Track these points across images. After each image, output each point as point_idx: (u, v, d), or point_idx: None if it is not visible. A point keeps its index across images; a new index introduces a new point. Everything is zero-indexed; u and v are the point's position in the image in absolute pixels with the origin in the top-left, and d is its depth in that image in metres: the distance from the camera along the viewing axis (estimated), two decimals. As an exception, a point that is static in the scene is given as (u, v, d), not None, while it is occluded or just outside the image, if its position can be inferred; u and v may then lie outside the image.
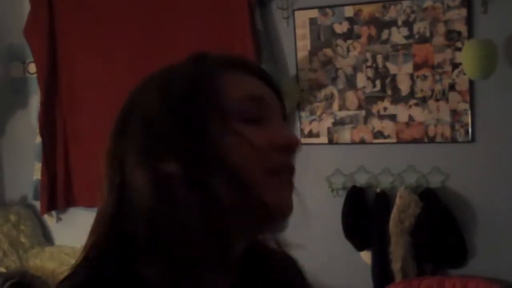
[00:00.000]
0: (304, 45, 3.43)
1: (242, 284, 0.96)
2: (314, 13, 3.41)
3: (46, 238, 4.29)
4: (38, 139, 4.12)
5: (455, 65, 3.11)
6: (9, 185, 4.43)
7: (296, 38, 3.45)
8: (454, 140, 3.14)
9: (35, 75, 4.15)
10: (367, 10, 3.29)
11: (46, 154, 4.09)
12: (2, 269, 3.82)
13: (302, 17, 3.43)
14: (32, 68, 4.19)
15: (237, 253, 0.95)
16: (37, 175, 4.16)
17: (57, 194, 4.12)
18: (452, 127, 3.14)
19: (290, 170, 0.95)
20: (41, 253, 4.08)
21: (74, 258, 3.63)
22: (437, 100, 3.16)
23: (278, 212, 0.93)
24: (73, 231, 4.13)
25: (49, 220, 4.26)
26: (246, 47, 3.39)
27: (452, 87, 3.13)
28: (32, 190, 4.22)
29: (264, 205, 0.91)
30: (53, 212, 4.20)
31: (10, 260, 4.02)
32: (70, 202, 4.12)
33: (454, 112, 3.13)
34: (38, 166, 4.15)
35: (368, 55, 3.29)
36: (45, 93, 4.08)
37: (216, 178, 0.89)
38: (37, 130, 4.11)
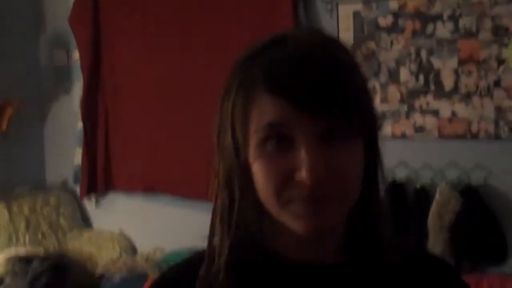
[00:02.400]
0: (347, 38, 3.40)
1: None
2: (358, 6, 3.38)
3: (85, 221, 4.34)
4: (80, 125, 4.17)
5: (501, 61, 3.07)
6: (51, 169, 4.49)
7: (339, 31, 3.43)
8: (497, 137, 3.10)
9: (79, 62, 4.18)
10: (412, 3, 3.25)
11: (87, 140, 4.13)
12: (41, 251, 3.86)
13: (346, 10, 3.41)
14: (76, 55, 4.23)
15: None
16: (78, 160, 4.21)
17: (96, 179, 4.16)
18: (496, 124, 3.10)
19: (304, 200, 0.91)
20: (80, 237, 4.13)
21: (111, 242, 3.71)
22: (481, 96, 3.12)
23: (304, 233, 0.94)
24: (112, 216, 4.19)
25: (88, 204, 4.31)
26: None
27: (497, 83, 3.09)
28: (72, 174, 4.28)
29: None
30: (92, 196, 4.24)
31: (49, 242, 4.07)
32: (109, 186, 4.16)
33: (498, 109, 3.09)
34: (79, 151, 4.20)
35: (412, 49, 3.26)
36: (87, 81, 4.12)
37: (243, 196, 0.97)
38: (79, 116, 4.16)
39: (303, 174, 0.89)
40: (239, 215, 0.98)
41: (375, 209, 1.01)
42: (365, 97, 0.96)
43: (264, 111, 0.92)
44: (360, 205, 0.97)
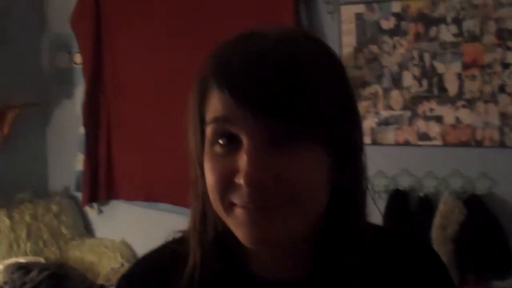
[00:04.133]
0: (349, 41, 3.31)
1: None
2: (361, 8, 3.29)
3: (87, 230, 4.29)
4: (82, 130, 4.12)
5: (506, 66, 2.96)
6: (53, 176, 4.44)
7: (341, 34, 3.33)
8: (502, 145, 2.99)
9: (81, 65, 4.13)
10: (415, 6, 3.15)
11: (89, 146, 4.09)
12: (41, 260, 3.82)
13: (348, 12, 3.32)
14: (78, 58, 4.18)
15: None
16: (80, 166, 4.16)
17: (99, 186, 4.11)
18: (501, 131, 2.99)
19: (243, 206, 0.85)
20: (81, 245, 4.08)
21: (113, 251, 3.63)
22: (486, 102, 3.01)
23: (245, 243, 0.88)
24: (114, 224, 4.15)
25: (90, 212, 4.26)
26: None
27: (502, 88, 2.98)
28: (74, 181, 4.23)
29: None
30: (94, 204, 4.20)
31: (50, 250, 4.03)
32: (111, 194, 4.11)
33: (503, 115, 2.98)
34: (81, 157, 4.15)
35: (415, 53, 3.16)
36: (89, 84, 4.07)
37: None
38: (81, 121, 4.10)
39: (241, 179, 0.82)
40: (210, 224, 0.94)
41: (348, 220, 0.93)
42: (335, 103, 0.86)
43: (213, 106, 0.87)
44: (330, 217, 0.91)
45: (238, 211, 0.85)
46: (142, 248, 3.92)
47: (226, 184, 0.85)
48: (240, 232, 0.86)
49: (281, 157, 0.83)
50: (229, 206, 0.86)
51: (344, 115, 0.88)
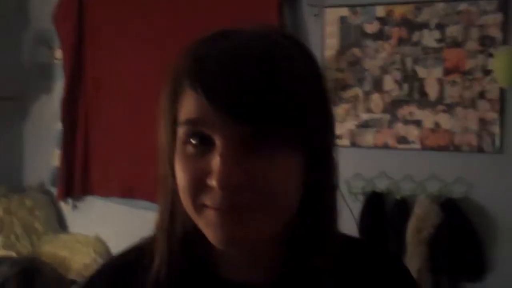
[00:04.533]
0: (332, 44, 3.32)
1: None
2: (345, 12, 3.30)
3: (61, 225, 4.25)
4: (59, 126, 4.08)
5: (487, 72, 2.98)
6: (28, 170, 4.41)
7: (324, 36, 3.35)
8: (480, 150, 3.01)
9: (62, 61, 4.10)
10: (399, 10, 3.17)
11: (65, 141, 4.05)
12: (13, 254, 3.77)
13: (332, 15, 3.33)
14: (59, 54, 4.15)
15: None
16: (55, 161, 4.13)
17: (74, 182, 4.08)
18: (480, 136, 3.00)
19: (215, 208, 0.83)
20: (54, 240, 4.03)
21: (86, 247, 3.58)
22: (465, 107, 3.03)
23: (215, 244, 0.86)
24: (88, 220, 4.12)
25: (65, 207, 4.22)
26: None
27: (482, 95, 3.00)
28: (50, 176, 4.19)
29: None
30: (69, 200, 4.16)
31: (23, 245, 3.97)
32: (87, 190, 4.07)
33: (482, 121, 3.00)
34: (57, 153, 4.11)
35: (397, 57, 3.18)
36: (69, 80, 4.05)
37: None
38: (59, 116, 4.07)
39: (214, 182, 0.80)
40: (179, 223, 0.92)
41: (318, 220, 0.91)
42: (310, 105, 0.84)
43: (186, 107, 0.84)
44: (300, 219, 0.89)
45: (209, 212, 0.83)
46: (116, 244, 3.90)
47: (198, 185, 0.83)
48: (210, 233, 0.84)
49: (254, 159, 0.81)
50: (200, 207, 0.84)
51: (318, 116, 0.87)
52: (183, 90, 0.85)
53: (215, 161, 0.80)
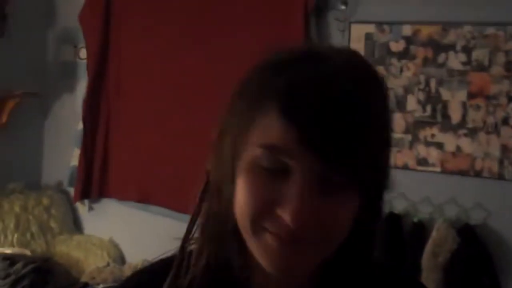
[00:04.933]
0: (356, 60, 3.29)
1: None
2: (371, 28, 3.28)
3: (76, 226, 4.26)
4: (80, 125, 4.09)
5: (511, 98, 2.95)
6: (47, 168, 4.43)
7: (349, 52, 3.32)
8: (501, 177, 2.98)
9: (85, 60, 4.11)
10: (426, 31, 3.15)
11: (85, 142, 4.07)
12: (27, 252, 3.78)
13: (359, 31, 3.31)
14: (83, 53, 4.16)
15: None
16: (74, 161, 4.14)
17: (92, 183, 4.09)
18: (501, 163, 2.97)
19: (280, 238, 0.82)
20: (69, 241, 4.05)
21: (100, 249, 3.57)
22: (488, 132, 3.00)
23: (269, 269, 0.86)
24: (103, 222, 4.13)
25: (81, 208, 4.23)
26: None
27: (505, 121, 2.97)
28: (68, 176, 4.20)
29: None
30: (86, 201, 4.17)
31: (37, 243, 3.99)
32: (104, 192, 4.09)
33: (504, 148, 2.97)
34: (76, 152, 4.13)
35: (422, 77, 3.15)
36: (92, 80, 4.06)
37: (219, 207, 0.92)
38: (80, 116, 4.08)
39: (286, 215, 0.79)
40: (222, 230, 0.91)
41: (358, 254, 0.92)
42: (386, 151, 0.87)
43: (270, 130, 0.81)
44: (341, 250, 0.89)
45: (270, 238, 0.82)
46: (130, 248, 3.89)
47: (264, 210, 0.82)
48: (267, 258, 0.84)
49: (326, 198, 0.81)
50: (259, 229, 0.83)
51: (387, 160, 0.89)
52: (265, 111, 0.82)
53: (290, 194, 0.79)
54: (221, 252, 0.92)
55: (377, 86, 0.86)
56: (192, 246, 0.94)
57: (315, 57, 0.84)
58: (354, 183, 0.81)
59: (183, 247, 0.94)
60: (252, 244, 0.85)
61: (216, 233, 0.92)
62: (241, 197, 0.84)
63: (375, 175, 0.84)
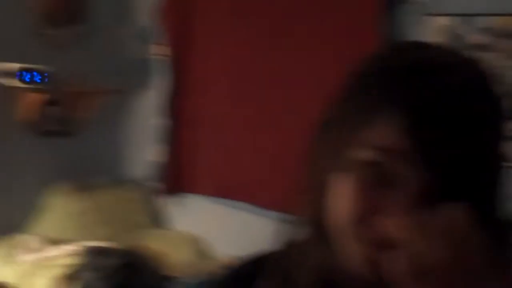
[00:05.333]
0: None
1: None
2: (449, 21, 3.21)
3: (162, 221, 4.33)
4: (159, 121, 4.16)
5: None
6: (129, 164, 4.50)
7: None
8: None
9: (166, 57, 4.15)
10: (510, 22, 3.07)
11: (171, 138, 4.12)
12: (117, 246, 3.82)
13: (436, 23, 3.24)
14: (160, 49, 4.20)
15: None
16: (156, 156, 4.20)
17: (179, 179, 4.13)
18: None
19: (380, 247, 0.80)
20: (154, 235, 4.11)
21: (185, 244, 3.56)
22: None
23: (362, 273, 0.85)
24: (190, 218, 4.16)
25: (166, 203, 4.29)
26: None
27: None
28: (148, 171, 4.27)
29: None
30: (171, 196, 4.22)
31: (122, 238, 4.03)
32: (190, 188, 4.13)
33: None
34: (158, 148, 4.18)
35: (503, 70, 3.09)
36: (175, 77, 4.10)
37: None
38: (160, 112, 4.15)
39: (392, 230, 0.78)
40: (319, 231, 0.90)
41: None
42: (499, 171, 0.86)
43: (389, 135, 0.80)
44: None
45: (370, 244, 0.82)
46: (216, 244, 3.87)
47: (366, 216, 0.82)
48: (365, 264, 0.83)
49: (433, 211, 0.79)
50: (359, 234, 0.83)
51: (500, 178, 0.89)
52: (387, 117, 0.81)
53: (398, 203, 0.80)
54: (320, 254, 0.90)
55: (499, 100, 0.86)
56: (283, 246, 0.94)
57: (441, 67, 0.83)
58: (463, 201, 0.78)
59: (285, 247, 0.94)
60: (350, 249, 0.84)
61: (314, 235, 0.91)
62: (342, 198, 0.83)
63: (486, 192, 0.83)
